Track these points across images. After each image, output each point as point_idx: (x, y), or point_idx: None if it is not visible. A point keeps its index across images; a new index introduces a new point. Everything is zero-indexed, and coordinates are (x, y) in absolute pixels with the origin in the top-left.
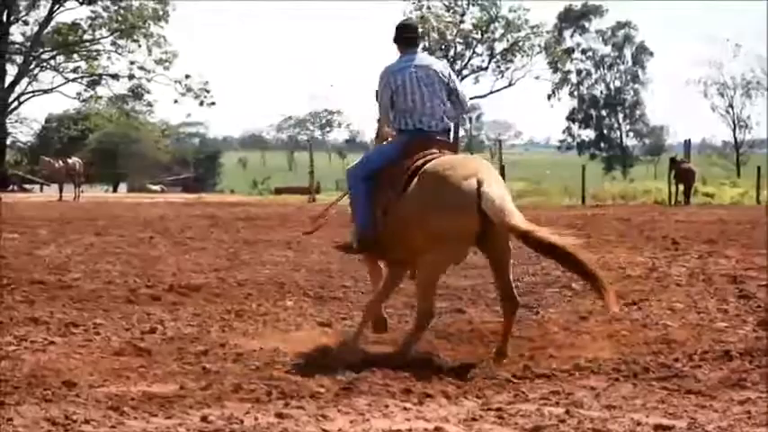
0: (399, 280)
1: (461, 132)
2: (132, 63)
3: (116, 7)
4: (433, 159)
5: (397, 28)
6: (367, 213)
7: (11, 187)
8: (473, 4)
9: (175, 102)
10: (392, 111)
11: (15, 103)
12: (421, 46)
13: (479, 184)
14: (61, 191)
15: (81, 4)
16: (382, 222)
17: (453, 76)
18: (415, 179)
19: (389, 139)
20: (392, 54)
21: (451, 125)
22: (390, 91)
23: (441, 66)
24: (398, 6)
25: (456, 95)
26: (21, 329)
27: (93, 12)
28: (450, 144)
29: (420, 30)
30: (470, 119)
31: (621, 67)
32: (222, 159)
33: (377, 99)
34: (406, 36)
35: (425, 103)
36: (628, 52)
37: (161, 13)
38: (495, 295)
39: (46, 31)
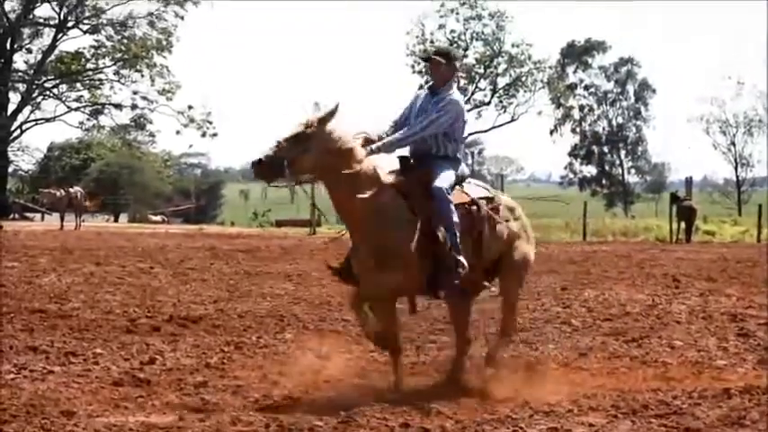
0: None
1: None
2: (135, 93)
3: (119, 37)
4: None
5: (451, 52)
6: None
7: (12, 215)
8: (476, 39)
9: (178, 132)
10: (449, 140)
11: (18, 132)
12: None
13: None
14: (62, 220)
15: (84, 33)
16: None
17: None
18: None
19: None
20: (394, 88)
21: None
22: (461, 122)
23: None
24: (402, 40)
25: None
26: (20, 358)
27: (96, 41)
28: None
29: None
30: (472, 153)
31: (624, 104)
32: (224, 191)
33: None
34: (457, 64)
35: None
36: (630, 89)
37: (164, 43)
38: (495, 330)
39: (49, 59)
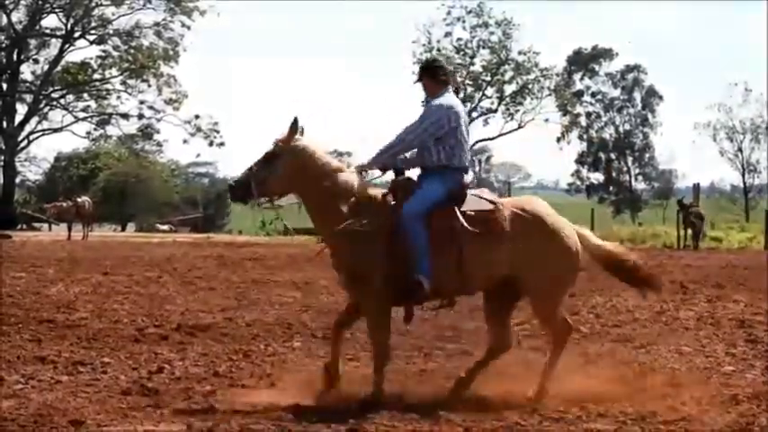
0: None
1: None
2: (142, 103)
3: (126, 47)
4: (518, 203)
5: (434, 64)
6: (427, 256)
7: (20, 226)
8: (483, 47)
9: (185, 142)
10: (442, 146)
11: (25, 142)
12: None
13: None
14: (70, 230)
15: (91, 43)
16: (453, 268)
17: None
18: (518, 224)
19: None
20: (400, 94)
21: None
22: (449, 126)
23: None
24: (408, 48)
25: None
26: (28, 368)
27: (103, 51)
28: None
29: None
30: (479, 161)
31: (631, 111)
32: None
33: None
34: (444, 75)
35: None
36: (637, 96)
37: (171, 53)
38: None
39: (56, 70)
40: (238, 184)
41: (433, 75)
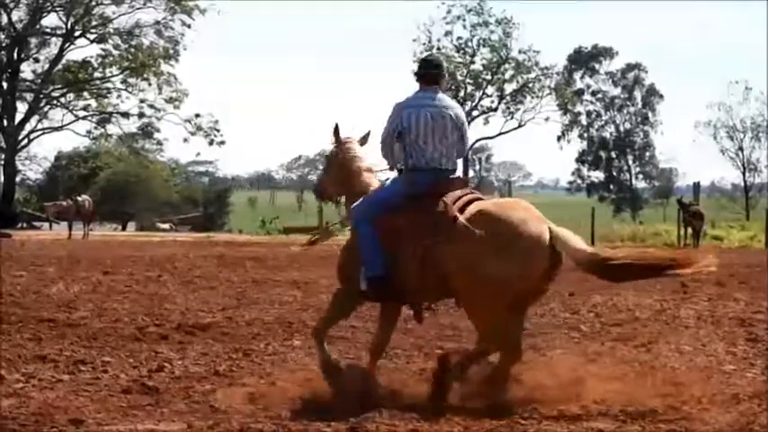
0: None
1: (471, 173)
2: (142, 101)
3: (126, 46)
4: (482, 202)
5: (420, 62)
6: (378, 256)
7: (20, 225)
8: (483, 46)
9: (185, 140)
10: (401, 145)
11: (25, 141)
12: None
13: (549, 226)
14: (70, 229)
15: (92, 42)
16: (413, 267)
17: (465, 122)
18: (461, 227)
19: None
20: (402, 91)
21: (459, 165)
22: (401, 126)
23: (458, 110)
24: (409, 47)
25: (463, 140)
26: (29, 367)
27: (103, 50)
28: (466, 182)
29: (444, 67)
30: (480, 159)
31: (631, 109)
32: (232, 198)
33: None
34: (428, 72)
35: (437, 143)
36: (638, 94)
37: (171, 51)
38: None
39: (56, 68)
40: (316, 185)
41: (428, 74)
